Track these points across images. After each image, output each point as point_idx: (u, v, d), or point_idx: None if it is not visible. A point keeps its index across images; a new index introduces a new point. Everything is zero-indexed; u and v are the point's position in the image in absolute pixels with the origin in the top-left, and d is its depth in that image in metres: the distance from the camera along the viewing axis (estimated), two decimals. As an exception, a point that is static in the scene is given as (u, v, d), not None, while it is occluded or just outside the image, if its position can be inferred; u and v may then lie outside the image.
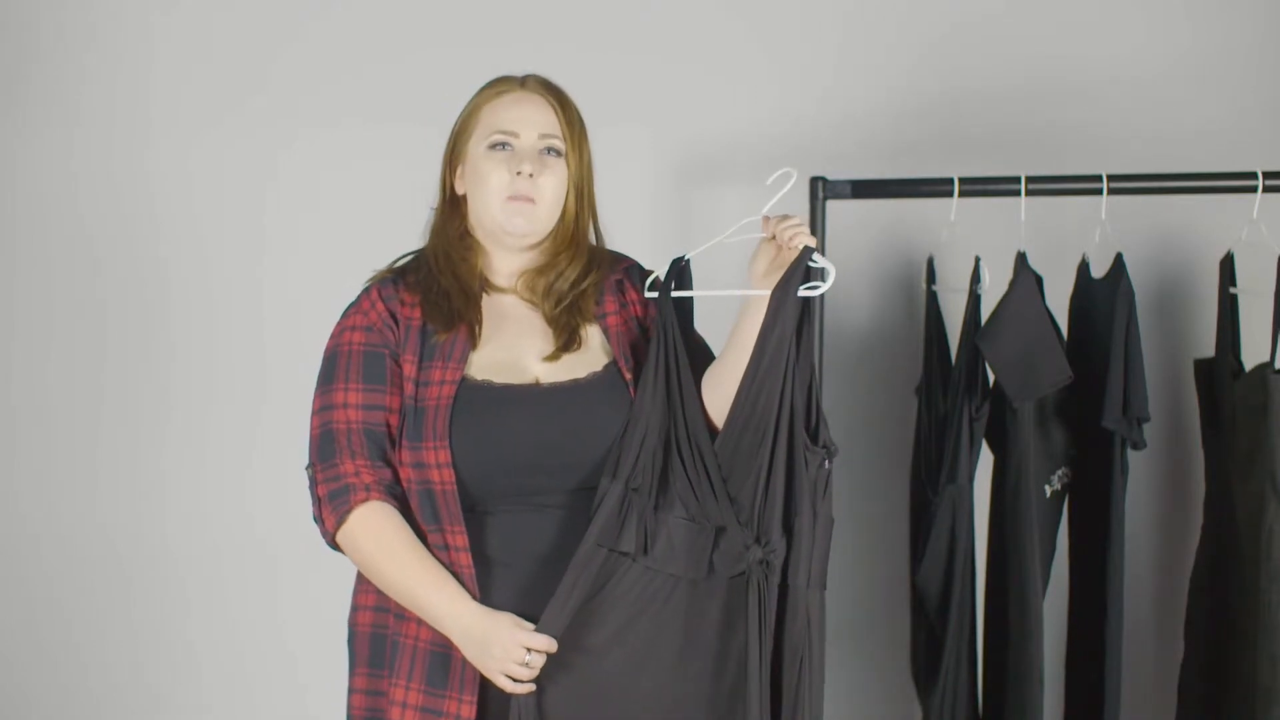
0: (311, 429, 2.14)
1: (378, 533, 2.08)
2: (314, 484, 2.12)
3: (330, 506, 2.09)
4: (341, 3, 3.19)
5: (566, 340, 2.15)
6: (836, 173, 2.80)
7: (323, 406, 2.13)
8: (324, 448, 2.11)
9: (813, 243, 2.09)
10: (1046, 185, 2.73)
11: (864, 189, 2.76)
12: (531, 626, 2.02)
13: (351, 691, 2.18)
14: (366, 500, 2.08)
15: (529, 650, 2.01)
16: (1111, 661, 2.73)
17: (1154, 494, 3.15)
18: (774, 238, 2.12)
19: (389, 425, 2.12)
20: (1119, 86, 3.16)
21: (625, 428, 2.10)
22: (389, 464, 2.11)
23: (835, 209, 2.80)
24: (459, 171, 2.20)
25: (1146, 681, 3.09)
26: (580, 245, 2.20)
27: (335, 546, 2.13)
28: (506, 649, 2.01)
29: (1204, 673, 2.81)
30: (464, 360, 2.12)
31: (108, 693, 3.24)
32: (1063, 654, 2.90)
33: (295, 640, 3.22)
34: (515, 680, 2.03)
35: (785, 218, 2.11)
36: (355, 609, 2.19)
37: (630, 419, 2.10)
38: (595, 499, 2.07)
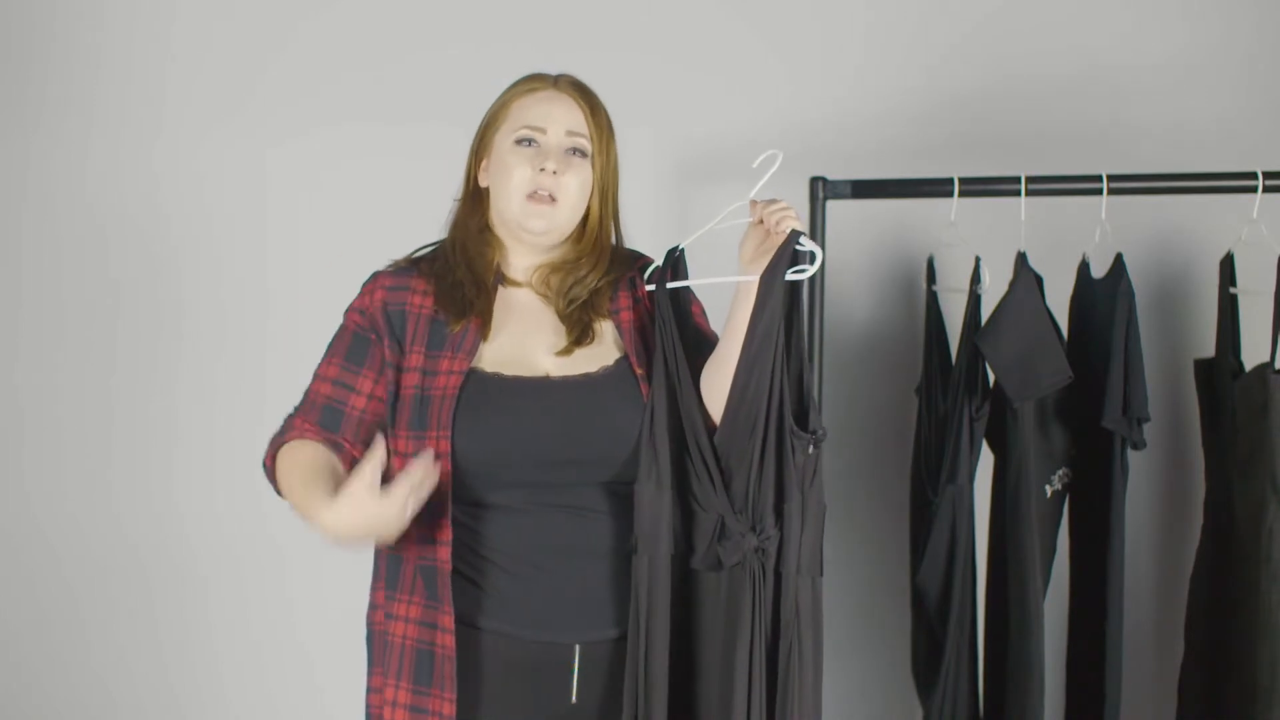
0: None
1: (289, 457, 2.12)
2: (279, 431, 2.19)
3: (271, 447, 2.16)
4: (346, 2, 3.20)
5: (579, 335, 2.16)
6: (836, 173, 2.80)
7: (315, 371, 2.21)
8: (298, 406, 2.19)
9: (800, 226, 2.09)
10: (1046, 185, 2.73)
11: (864, 189, 2.76)
12: (373, 474, 1.95)
13: (370, 690, 2.19)
14: (300, 436, 2.13)
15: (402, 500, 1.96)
16: (1111, 661, 2.73)
17: (1154, 494, 3.15)
18: (761, 221, 2.12)
19: (354, 408, 2.15)
20: (1119, 86, 3.16)
21: (652, 425, 2.10)
22: (337, 439, 2.13)
23: (835, 209, 2.80)
24: (484, 164, 2.21)
25: (1146, 681, 3.09)
26: (603, 250, 2.21)
27: (277, 489, 2.15)
28: (385, 517, 1.95)
29: (1204, 673, 2.81)
30: (473, 352, 2.13)
31: (124, 693, 3.25)
32: (1063, 654, 2.90)
33: (311, 639, 3.23)
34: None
35: (771, 202, 2.11)
36: (372, 607, 2.20)
37: (653, 417, 2.11)
38: (638, 502, 2.09)
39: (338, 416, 2.14)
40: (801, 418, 2.10)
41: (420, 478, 1.97)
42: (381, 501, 1.93)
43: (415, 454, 2.09)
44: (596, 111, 2.18)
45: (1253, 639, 2.64)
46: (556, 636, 2.10)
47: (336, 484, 2.03)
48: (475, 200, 2.23)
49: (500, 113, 2.19)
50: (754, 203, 2.13)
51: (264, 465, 2.18)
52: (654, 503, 2.09)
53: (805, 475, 2.09)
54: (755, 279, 2.08)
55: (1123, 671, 2.75)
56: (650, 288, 2.19)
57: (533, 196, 2.14)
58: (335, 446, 2.13)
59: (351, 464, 2.13)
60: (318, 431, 2.14)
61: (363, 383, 2.15)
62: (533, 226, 2.15)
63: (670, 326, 2.13)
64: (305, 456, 2.10)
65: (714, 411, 2.12)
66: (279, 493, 2.15)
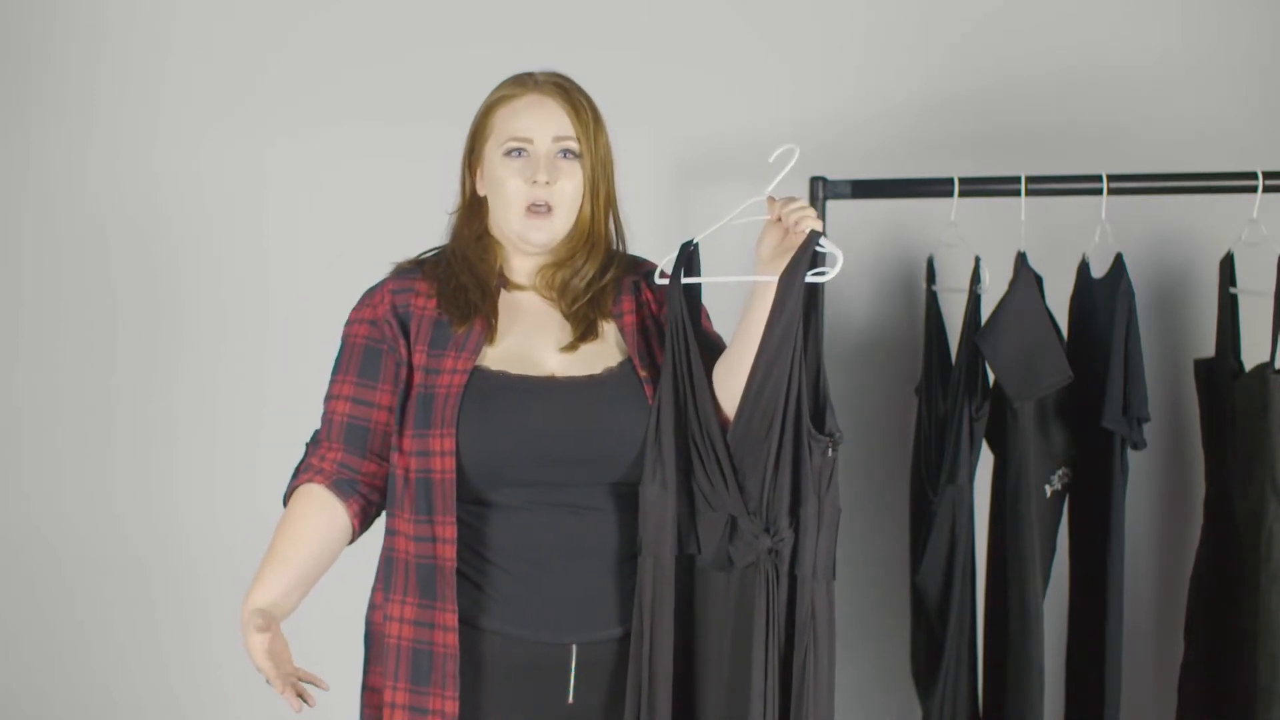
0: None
1: (289, 508, 2.15)
2: (300, 460, 2.20)
3: (291, 482, 2.17)
4: (346, 2, 3.20)
5: (584, 331, 2.16)
6: (836, 173, 2.80)
7: (327, 395, 2.20)
8: (319, 432, 2.19)
9: (819, 226, 2.08)
10: (1046, 185, 2.73)
11: (864, 189, 2.76)
12: (258, 644, 2.07)
13: (365, 689, 2.20)
14: (310, 481, 2.14)
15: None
16: (1111, 661, 2.73)
17: (1154, 494, 3.15)
18: (779, 219, 2.11)
19: (377, 422, 2.15)
20: (1119, 86, 3.16)
21: (658, 425, 2.10)
22: (365, 457, 2.15)
23: (835, 209, 2.80)
24: (478, 173, 2.21)
25: (1146, 681, 3.09)
26: (597, 243, 2.20)
27: None
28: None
29: (1204, 673, 2.81)
30: (478, 351, 2.13)
31: (124, 693, 3.25)
32: (1063, 654, 2.90)
33: (311, 638, 3.21)
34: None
35: (790, 200, 2.10)
36: (372, 606, 2.21)
37: (659, 416, 2.10)
38: (642, 502, 2.09)
39: (363, 434, 2.15)
40: (818, 420, 2.09)
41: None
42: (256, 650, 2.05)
43: (417, 452, 2.09)
44: (580, 110, 2.17)
45: (1253, 639, 2.64)
46: (555, 637, 2.10)
47: (309, 554, 2.11)
48: (473, 208, 2.23)
49: (485, 122, 2.18)
50: (772, 200, 2.12)
51: (284, 500, 2.19)
52: (659, 503, 2.08)
53: (822, 478, 2.08)
54: (774, 279, 2.08)
55: (1123, 671, 2.75)
56: (664, 282, 2.18)
57: (530, 209, 2.14)
58: (347, 487, 2.14)
59: (370, 482, 2.16)
60: (337, 465, 2.14)
61: (381, 396, 2.15)
62: (533, 239, 2.16)
63: (684, 322, 2.12)
64: (298, 523, 2.13)
65: (726, 411, 2.12)
66: None
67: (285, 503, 2.18)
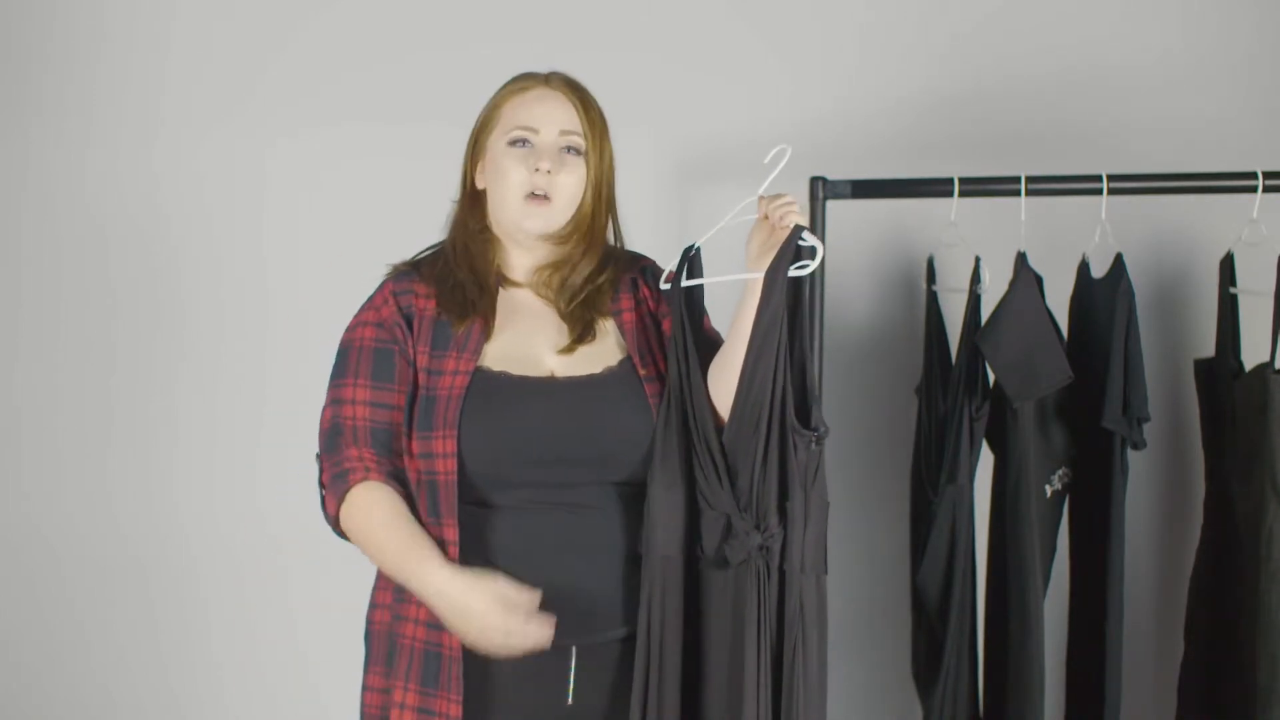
0: (322, 420, 2.17)
1: (371, 507, 2.08)
2: (320, 473, 2.15)
3: (333, 491, 2.11)
4: (346, 2, 3.20)
5: (581, 332, 2.16)
6: (836, 173, 2.80)
7: (333, 400, 2.16)
8: (331, 440, 2.14)
9: (804, 221, 2.09)
10: (1046, 185, 2.73)
11: (864, 189, 2.76)
12: (517, 597, 2.00)
13: (365, 689, 2.19)
14: (365, 479, 2.09)
15: (509, 631, 1.99)
16: (1111, 661, 2.73)
17: (1154, 494, 3.15)
18: (767, 217, 2.12)
19: (395, 424, 2.13)
20: (1119, 86, 3.16)
21: (665, 425, 2.10)
22: (394, 457, 2.12)
23: (835, 209, 2.80)
24: (479, 166, 2.21)
25: (1146, 681, 3.09)
26: (595, 242, 2.21)
27: (341, 533, 2.14)
28: (484, 627, 1.99)
29: (1204, 673, 2.81)
30: (478, 351, 2.13)
31: (124, 693, 3.25)
32: (1063, 654, 2.90)
33: (311, 638, 3.23)
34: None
35: (777, 197, 2.12)
36: (373, 606, 2.20)
37: (666, 417, 2.11)
38: (650, 502, 2.09)
39: (387, 436, 2.12)
40: (804, 415, 2.10)
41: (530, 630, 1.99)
42: (498, 615, 1.99)
43: (421, 454, 2.09)
44: (589, 107, 2.19)
45: (1253, 639, 2.64)
46: (557, 639, 2.09)
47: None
48: (473, 201, 2.24)
49: (492, 115, 2.20)
50: (761, 198, 2.14)
51: (326, 514, 2.13)
52: (666, 503, 2.09)
53: (808, 473, 2.09)
54: (760, 276, 2.08)
55: (1123, 671, 2.75)
56: (667, 286, 2.18)
57: (530, 197, 2.14)
58: (400, 479, 2.11)
59: (404, 477, 2.13)
60: (376, 462, 2.10)
61: (398, 397, 2.14)
62: (529, 227, 2.16)
63: (685, 324, 2.13)
64: (396, 509, 2.08)
65: (721, 410, 2.12)
66: (341, 534, 2.13)
67: (327, 509, 2.12)
